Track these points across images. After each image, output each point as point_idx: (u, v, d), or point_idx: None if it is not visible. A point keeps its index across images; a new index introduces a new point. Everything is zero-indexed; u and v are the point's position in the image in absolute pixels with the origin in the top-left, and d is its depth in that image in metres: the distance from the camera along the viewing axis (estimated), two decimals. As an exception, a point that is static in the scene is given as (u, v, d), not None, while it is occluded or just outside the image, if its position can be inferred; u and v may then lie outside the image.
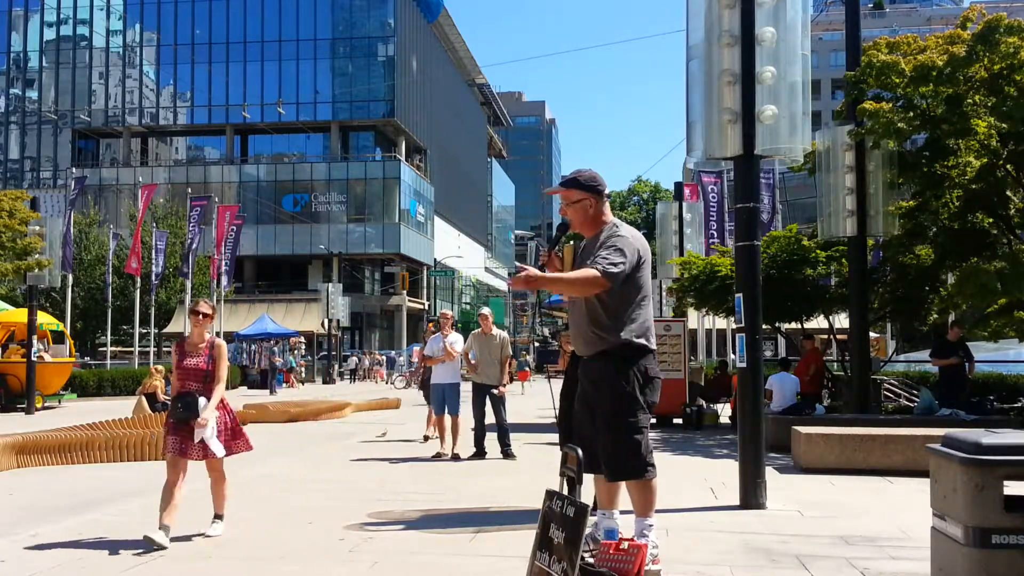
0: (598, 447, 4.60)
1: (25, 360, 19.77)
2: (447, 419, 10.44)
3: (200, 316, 5.96)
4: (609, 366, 4.58)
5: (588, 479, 4.41)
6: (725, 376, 16.48)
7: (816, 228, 13.04)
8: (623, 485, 4.70)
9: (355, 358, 45.90)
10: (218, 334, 34.50)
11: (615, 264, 4.42)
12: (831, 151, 11.82)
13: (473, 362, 10.34)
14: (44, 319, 22.66)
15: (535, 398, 22.90)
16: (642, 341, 4.62)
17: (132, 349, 33.24)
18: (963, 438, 3.87)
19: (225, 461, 5.98)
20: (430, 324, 12.81)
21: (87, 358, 38.69)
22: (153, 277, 32.13)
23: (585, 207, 4.74)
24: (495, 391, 10.35)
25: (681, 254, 18.82)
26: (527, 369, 35.23)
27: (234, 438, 6.00)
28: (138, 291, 31.99)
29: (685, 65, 7.71)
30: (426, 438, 12.02)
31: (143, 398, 15.74)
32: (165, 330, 42.67)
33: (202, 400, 5.81)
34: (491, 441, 10.35)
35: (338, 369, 41.64)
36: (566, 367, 7.08)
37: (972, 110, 10.80)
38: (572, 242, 4.93)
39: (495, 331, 10.52)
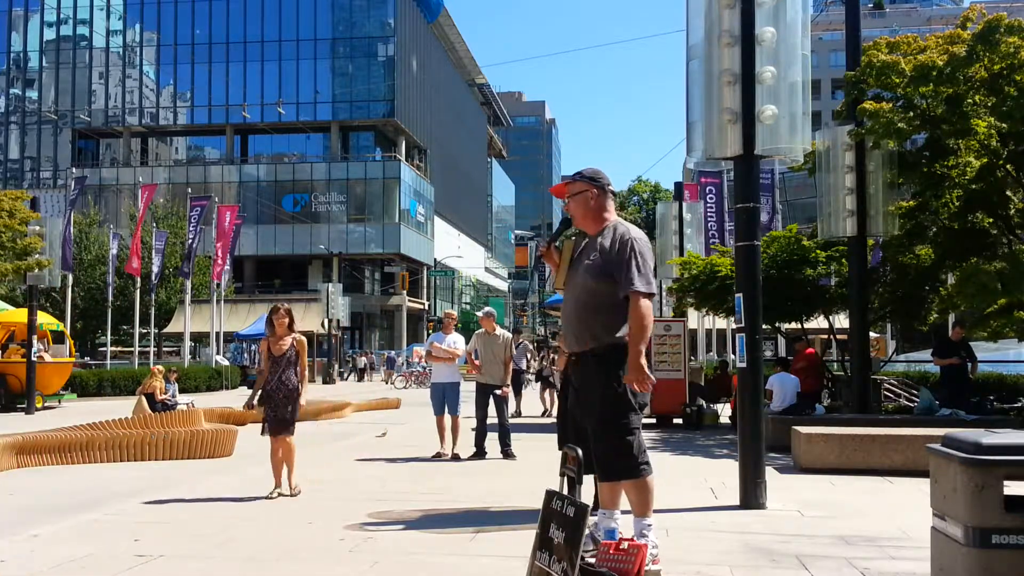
0: (591, 447, 4.59)
1: (25, 360, 19.77)
2: (447, 419, 10.43)
3: None
4: (599, 366, 4.56)
5: (588, 479, 4.41)
6: (725, 376, 16.48)
7: (816, 228, 13.03)
8: (624, 485, 4.70)
9: (363, 358, 46.01)
10: (219, 334, 34.69)
11: (648, 282, 4.52)
12: (831, 151, 11.81)
13: (477, 362, 10.34)
14: (44, 319, 22.66)
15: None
16: None
17: (132, 349, 33.24)
18: (963, 438, 3.87)
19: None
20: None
21: (87, 358, 38.71)
22: (153, 277, 32.14)
23: (586, 199, 4.76)
24: (498, 391, 10.35)
25: (681, 254, 18.82)
26: None
27: None
28: (138, 291, 32.00)
29: (685, 65, 7.71)
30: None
31: (143, 398, 15.72)
32: (165, 330, 42.67)
33: None
34: (491, 441, 10.35)
35: (338, 369, 41.64)
36: (564, 367, 7.04)
37: (972, 110, 10.79)
38: (572, 238, 4.92)
39: (498, 331, 10.51)
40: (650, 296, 4.52)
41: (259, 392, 7.76)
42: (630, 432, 4.52)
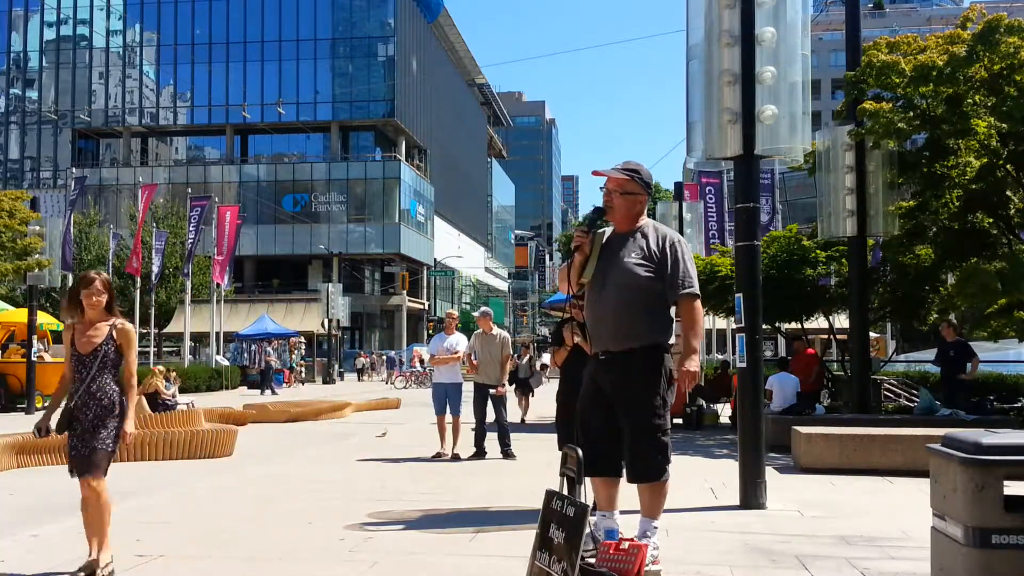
0: (623, 447, 4.56)
1: (25, 360, 19.76)
2: (448, 419, 10.42)
3: None
4: (644, 365, 4.55)
5: (588, 479, 4.40)
6: (725, 376, 16.48)
7: (816, 228, 13.03)
8: (622, 485, 4.70)
9: (362, 358, 46.02)
10: (219, 334, 34.69)
11: (696, 281, 4.68)
12: (831, 151, 11.81)
13: (475, 362, 10.34)
14: (44, 319, 22.63)
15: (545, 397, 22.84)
16: (672, 342, 4.68)
17: (132, 349, 33.15)
18: (963, 438, 3.87)
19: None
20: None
21: (87, 358, 38.60)
22: (153, 277, 32.12)
23: (635, 202, 4.77)
24: (492, 391, 10.35)
25: (681, 254, 18.76)
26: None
27: None
28: (138, 291, 31.98)
29: (685, 65, 7.72)
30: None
31: (143, 398, 15.69)
32: (165, 330, 42.64)
33: None
34: (491, 441, 10.35)
35: (338, 369, 41.64)
36: (561, 365, 6.92)
37: (972, 110, 10.80)
38: (603, 232, 4.89)
39: (495, 331, 10.51)
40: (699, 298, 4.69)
41: (55, 412, 4.92)
42: (665, 432, 4.57)
